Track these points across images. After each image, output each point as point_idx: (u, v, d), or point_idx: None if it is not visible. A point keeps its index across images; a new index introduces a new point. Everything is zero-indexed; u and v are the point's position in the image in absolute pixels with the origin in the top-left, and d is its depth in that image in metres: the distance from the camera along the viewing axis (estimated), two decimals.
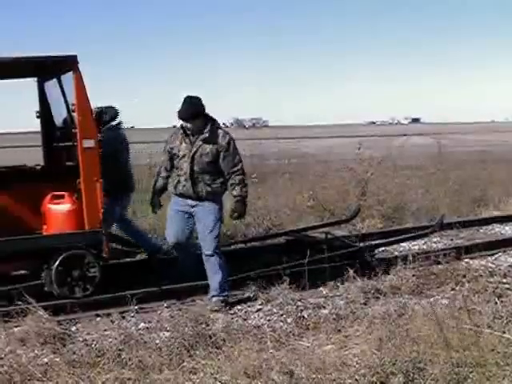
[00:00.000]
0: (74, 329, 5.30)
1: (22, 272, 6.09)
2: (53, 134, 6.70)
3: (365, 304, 5.70)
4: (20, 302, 5.31)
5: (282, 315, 5.47)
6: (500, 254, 7.62)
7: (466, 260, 7.22)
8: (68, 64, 5.73)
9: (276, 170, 15.59)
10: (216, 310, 5.62)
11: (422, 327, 4.51)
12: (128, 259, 7.12)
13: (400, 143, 35.17)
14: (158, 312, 5.67)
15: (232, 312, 5.67)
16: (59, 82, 6.28)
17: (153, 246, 7.07)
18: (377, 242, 8.04)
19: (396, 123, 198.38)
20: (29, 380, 4.12)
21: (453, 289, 6.06)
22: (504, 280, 6.28)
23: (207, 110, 5.76)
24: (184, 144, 5.77)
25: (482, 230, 9.48)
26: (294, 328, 5.13)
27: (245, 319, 5.48)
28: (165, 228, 6.13)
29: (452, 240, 8.71)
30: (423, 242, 8.42)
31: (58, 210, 5.93)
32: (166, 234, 6.07)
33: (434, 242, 8.47)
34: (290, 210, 10.20)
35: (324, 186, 11.70)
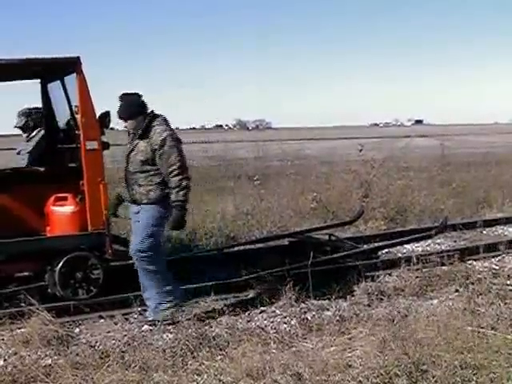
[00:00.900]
0: (77, 330, 5.30)
1: (26, 274, 6.09)
2: (56, 135, 6.71)
3: (368, 306, 5.69)
4: (24, 304, 5.32)
5: (285, 317, 5.45)
6: (504, 255, 7.59)
7: (470, 261, 7.20)
8: (71, 65, 5.73)
9: (279, 172, 15.60)
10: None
11: (426, 329, 4.50)
12: (131, 261, 7.10)
13: (403, 145, 35.14)
14: None
15: (235, 313, 5.67)
16: (62, 83, 6.28)
17: None
18: (380, 243, 8.04)
19: (399, 125, 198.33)
20: (32, 381, 4.13)
21: (456, 290, 6.04)
22: (508, 282, 6.25)
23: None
24: (128, 145, 5.39)
25: (485, 232, 9.46)
26: (298, 330, 5.11)
27: (248, 321, 5.47)
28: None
29: (455, 241, 8.70)
30: (427, 243, 8.40)
31: (62, 211, 5.95)
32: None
33: (438, 244, 8.46)
34: (293, 212, 10.22)
35: (327, 188, 11.71)
